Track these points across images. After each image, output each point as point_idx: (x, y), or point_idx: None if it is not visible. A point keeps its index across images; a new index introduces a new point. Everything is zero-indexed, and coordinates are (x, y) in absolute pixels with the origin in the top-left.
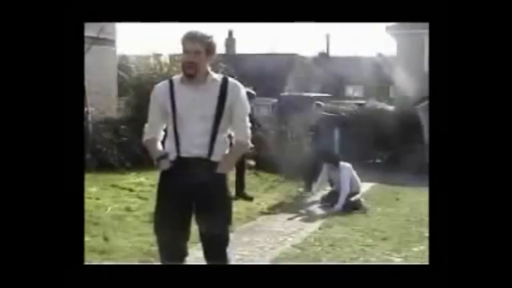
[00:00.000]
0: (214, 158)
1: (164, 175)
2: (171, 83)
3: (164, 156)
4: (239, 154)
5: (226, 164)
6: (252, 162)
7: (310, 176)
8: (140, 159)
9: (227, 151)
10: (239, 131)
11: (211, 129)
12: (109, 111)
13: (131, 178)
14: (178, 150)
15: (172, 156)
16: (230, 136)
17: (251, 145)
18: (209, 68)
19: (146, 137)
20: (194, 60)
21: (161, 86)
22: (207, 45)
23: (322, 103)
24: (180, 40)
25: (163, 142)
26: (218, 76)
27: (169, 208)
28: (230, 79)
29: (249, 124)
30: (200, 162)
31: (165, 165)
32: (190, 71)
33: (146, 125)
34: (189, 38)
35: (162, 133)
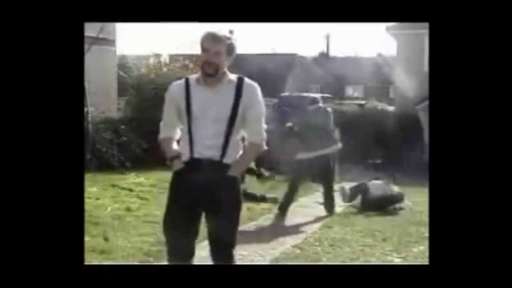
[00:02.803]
0: (226, 160)
1: (177, 176)
2: (187, 83)
3: (177, 156)
4: (252, 157)
5: (238, 167)
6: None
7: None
8: (140, 159)
9: (240, 153)
10: (253, 132)
11: (225, 131)
12: (109, 111)
13: (131, 178)
14: (191, 151)
15: (185, 157)
16: (243, 138)
17: (265, 147)
18: (226, 69)
19: (161, 135)
20: (214, 60)
21: (177, 85)
22: (228, 46)
23: None
24: (201, 39)
25: (178, 142)
26: (234, 77)
27: (181, 209)
28: (246, 79)
29: (264, 126)
30: (213, 164)
31: (178, 165)
32: (210, 71)
33: (161, 124)
34: (211, 38)
35: (179, 132)
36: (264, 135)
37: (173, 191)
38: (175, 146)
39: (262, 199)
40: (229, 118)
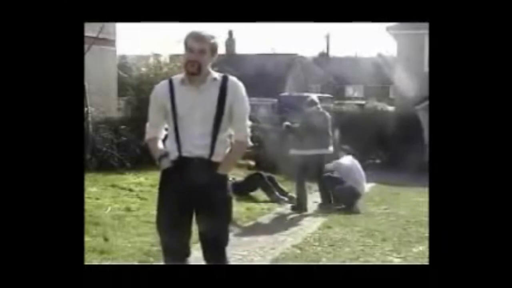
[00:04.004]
0: (215, 158)
1: (165, 175)
2: (171, 84)
3: (165, 155)
4: (240, 154)
5: (227, 165)
6: (252, 162)
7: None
8: (140, 159)
9: (227, 151)
10: (238, 130)
11: (212, 129)
12: (109, 111)
13: (131, 178)
14: (179, 150)
15: (173, 156)
16: (230, 136)
17: (250, 144)
18: (209, 68)
19: (147, 136)
20: (198, 59)
21: (161, 87)
22: (212, 45)
23: None
24: (185, 39)
25: (164, 141)
26: (218, 75)
27: (170, 208)
28: (231, 78)
29: (249, 123)
30: (201, 162)
31: (166, 164)
32: (193, 70)
33: (147, 125)
34: (195, 37)
35: (164, 132)
36: (248, 132)
37: (163, 190)
38: (161, 145)
39: (278, 199)
40: (216, 117)
